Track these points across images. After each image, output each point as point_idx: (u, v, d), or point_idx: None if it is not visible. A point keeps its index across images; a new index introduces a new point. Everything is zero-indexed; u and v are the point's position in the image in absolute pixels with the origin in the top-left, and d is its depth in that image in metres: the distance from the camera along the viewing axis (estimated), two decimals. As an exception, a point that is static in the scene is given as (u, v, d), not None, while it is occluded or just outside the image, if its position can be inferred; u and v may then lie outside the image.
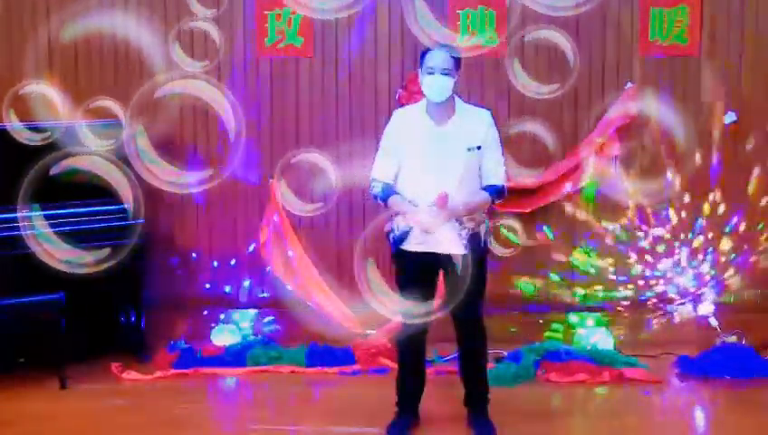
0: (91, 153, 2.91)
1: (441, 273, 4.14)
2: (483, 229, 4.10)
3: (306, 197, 5.08)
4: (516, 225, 5.15)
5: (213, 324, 5.67)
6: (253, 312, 5.75)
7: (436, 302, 4.12)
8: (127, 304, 5.42)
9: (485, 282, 4.19)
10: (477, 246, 4.05)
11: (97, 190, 5.15)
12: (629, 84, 5.48)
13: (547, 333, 5.59)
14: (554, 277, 5.69)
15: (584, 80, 5.54)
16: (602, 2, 5.49)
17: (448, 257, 4.00)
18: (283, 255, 5.58)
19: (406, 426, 4.24)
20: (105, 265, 3.02)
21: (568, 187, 5.50)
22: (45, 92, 3.90)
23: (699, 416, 4.74)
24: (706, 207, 5.60)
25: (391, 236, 4.14)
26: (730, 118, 5.50)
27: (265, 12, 5.57)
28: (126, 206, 2.95)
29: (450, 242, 3.99)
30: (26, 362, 5.02)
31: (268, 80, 5.67)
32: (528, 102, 5.54)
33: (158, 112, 4.40)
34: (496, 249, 4.68)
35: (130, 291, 5.39)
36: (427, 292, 4.09)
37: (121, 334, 5.43)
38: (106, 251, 3.01)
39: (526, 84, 3.79)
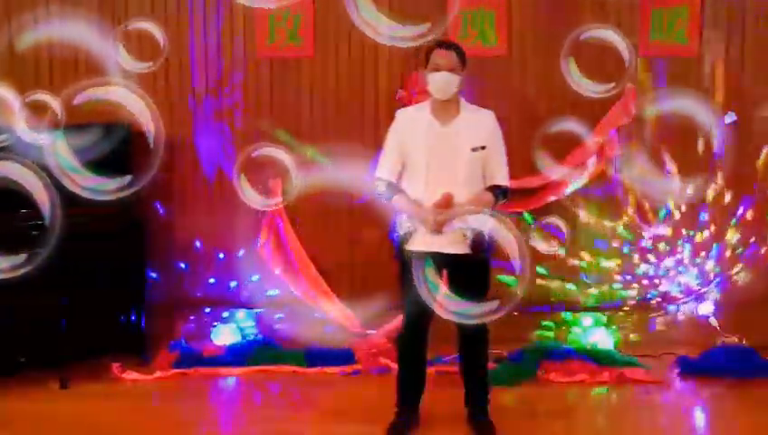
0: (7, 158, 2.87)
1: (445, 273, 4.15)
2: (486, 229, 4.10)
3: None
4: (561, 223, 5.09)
5: (213, 324, 5.67)
6: (253, 312, 5.75)
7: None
8: (127, 303, 5.42)
9: (489, 282, 4.20)
10: (481, 246, 4.06)
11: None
12: (629, 85, 5.48)
13: (539, 331, 5.58)
14: (553, 277, 5.69)
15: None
16: (602, 1, 5.51)
17: (452, 257, 4.01)
18: (283, 255, 5.59)
19: (406, 426, 4.23)
20: (21, 271, 2.99)
21: (567, 187, 5.50)
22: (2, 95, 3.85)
23: (699, 416, 4.74)
24: (710, 194, 5.59)
25: (395, 235, 4.15)
26: (730, 118, 5.50)
27: (266, 12, 5.56)
28: (44, 212, 2.91)
29: (454, 242, 4.01)
30: (26, 362, 5.02)
31: (268, 80, 5.67)
32: (529, 103, 5.54)
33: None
34: (540, 245, 4.65)
35: (131, 291, 5.39)
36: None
37: (122, 334, 5.42)
38: (22, 257, 2.98)
39: (581, 83, 3.80)
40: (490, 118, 4.11)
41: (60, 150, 2.95)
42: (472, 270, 4.08)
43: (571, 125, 4.99)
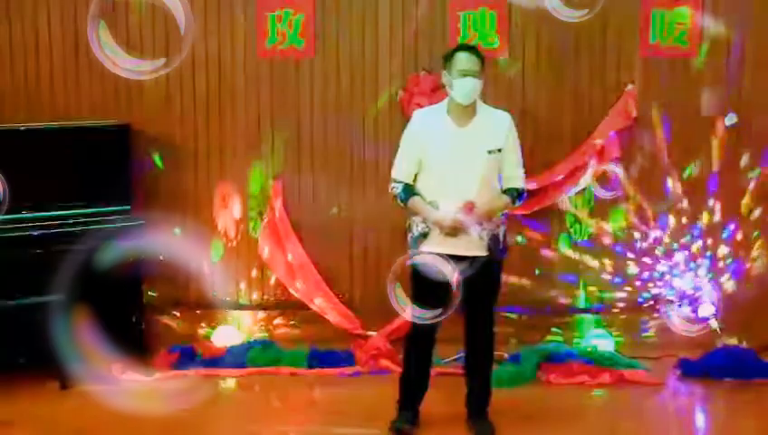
0: None
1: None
2: (501, 231, 4.14)
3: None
4: None
5: (214, 325, 5.66)
6: (253, 313, 5.74)
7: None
8: (128, 304, 5.40)
9: (500, 283, 4.26)
10: (496, 248, 4.09)
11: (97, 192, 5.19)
12: (630, 86, 5.47)
13: (549, 337, 5.57)
14: (553, 278, 5.68)
15: (584, 81, 5.54)
16: (603, 3, 5.49)
17: (468, 259, 4.02)
18: (283, 256, 5.59)
19: (407, 426, 4.23)
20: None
21: (568, 189, 5.50)
22: None
23: (700, 418, 4.74)
24: (705, 216, 5.58)
25: (410, 236, 4.17)
26: (731, 119, 5.49)
27: (266, 13, 5.56)
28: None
29: (470, 244, 4.03)
30: (26, 362, 5.01)
31: (269, 81, 5.66)
32: (529, 104, 5.53)
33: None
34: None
35: (131, 291, 5.37)
36: (444, 293, 4.10)
37: (122, 335, 5.40)
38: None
39: None
40: (506, 120, 4.13)
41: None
42: (486, 272, 4.09)
43: None
